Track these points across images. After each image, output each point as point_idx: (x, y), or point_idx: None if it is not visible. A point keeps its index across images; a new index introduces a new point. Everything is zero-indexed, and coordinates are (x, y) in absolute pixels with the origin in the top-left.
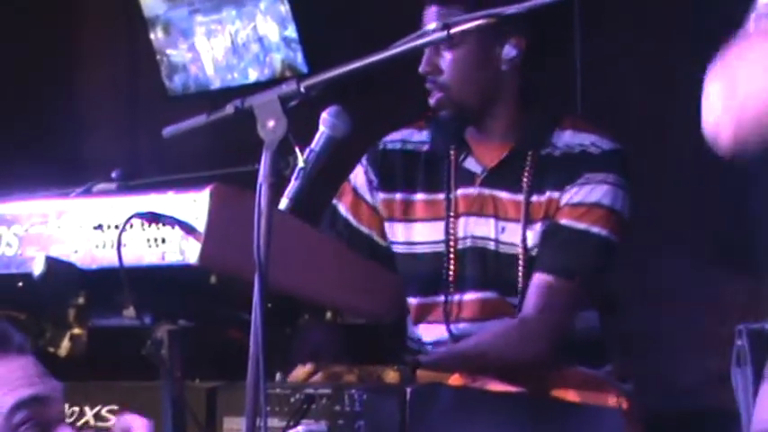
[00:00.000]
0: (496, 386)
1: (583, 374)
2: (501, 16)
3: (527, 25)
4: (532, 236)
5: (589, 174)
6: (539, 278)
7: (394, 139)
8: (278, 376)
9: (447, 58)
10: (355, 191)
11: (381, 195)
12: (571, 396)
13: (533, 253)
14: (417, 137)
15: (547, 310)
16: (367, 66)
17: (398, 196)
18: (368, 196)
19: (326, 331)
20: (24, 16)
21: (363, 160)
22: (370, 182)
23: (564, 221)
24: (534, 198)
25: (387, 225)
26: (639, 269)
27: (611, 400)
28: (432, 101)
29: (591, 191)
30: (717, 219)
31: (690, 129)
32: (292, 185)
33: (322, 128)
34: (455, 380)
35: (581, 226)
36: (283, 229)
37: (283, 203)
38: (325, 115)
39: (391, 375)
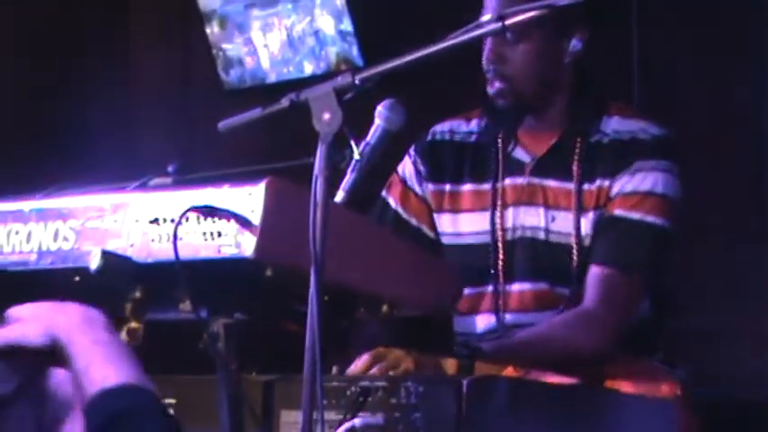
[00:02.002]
0: (551, 378)
1: (636, 363)
2: (555, 6)
3: (590, 17)
4: (585, 224)
5: (640, 161)
6: (597, 271)
7: (442, 129)
8: (334, 369)
9: (515, 49)
10: (404, 182)
11: (431, 186)
12: (625, 386)
13: (586, 242)
14: (465, 127)
15: (608, 302)
16: (421, 58)
17: (447, 187)
18: (417, 188)
19: (382, 324)
20: (80, 10)
21: (411, 151)
22: (418, 173)
23: (618, 212)
24: (585, 186)
25: (435, 216)
26: (698, 265)
27: (666, 389)
28: (491, 90)
29: (643, 179)
30: None
31: (746, 127)
32: (348, 178)
33: (377, 121)
34: (509, 372)
35: (636, 216)
36: (339, 221)
37: (339, 196)
38: (380, 108)
39: (450, 364)
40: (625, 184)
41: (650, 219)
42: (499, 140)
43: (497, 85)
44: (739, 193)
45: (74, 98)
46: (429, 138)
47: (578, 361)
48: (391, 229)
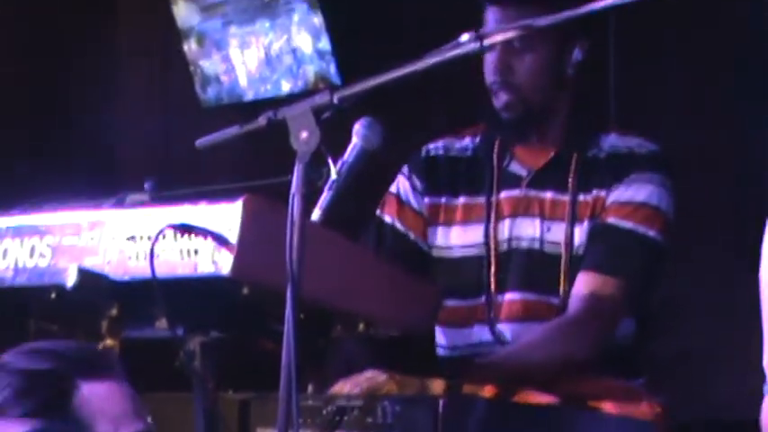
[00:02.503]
0: (532, 396)
1: (618, 384)
2: (533, 27)
3: (590, 28)
4: (579, 234)
5: (636, 173)
6: (585, 276)
7: (436, 146)
8: (310, 388)
9: (523, 59)
10: (399, 198)
11: (427, 200)
12: (607, 407)
13: (579, 252)
14: (459, 144)
15: (593, 309)
16: (399, 77)
17: (443, 200)
18: (413, 202)
19: (359, 343)
20: (58, 27)
21: (404, 170)
22: (414, 187)
23: (611, 220)
24: (581, 197)
25: (430, 230)
26: (677, 285)
27: (646, 410)
28: (498, 102)
29: (638, 190)
30: (754, 235)
31: (723, 156)
32: (325, 197)
33: (355, 139)
34: (489, 390)
35: (628, 225)
36: (316, 240)
37: (316, 215)
38: (357, 127)
39: (437, 385)
40: (620, 193)
41: (642, 229)
42: (494, 155)
43: (504, 97)
44: (720, 212)
45: (51, 114)
46: (423, 154)
47: (562, 369)
48: (387, 246)
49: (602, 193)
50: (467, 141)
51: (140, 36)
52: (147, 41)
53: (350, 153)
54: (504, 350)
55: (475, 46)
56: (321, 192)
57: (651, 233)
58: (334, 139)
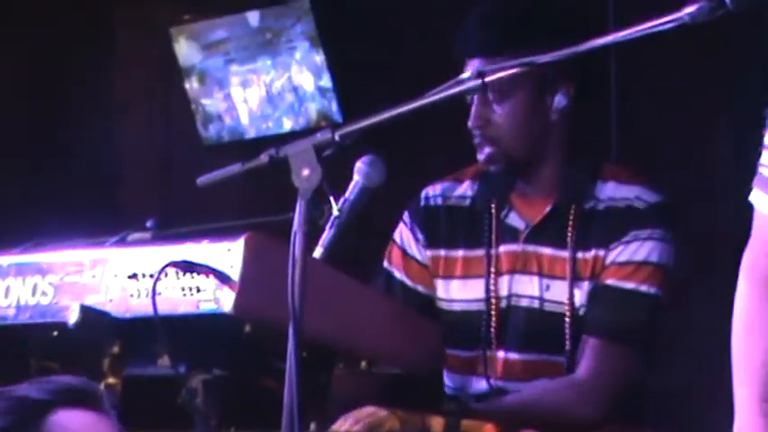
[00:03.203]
0: None
1: (621, 429)
2: (535, 64)
3: (576, 72)
4: (580, 294)
5: (635, 230)
6: (591, 342)
7: (435, 194)
8: (312, 426)
9: (498, 110)
10: (404, 251)
11: (428, 253)
12: None
13: (581, 312)
14: (458, 191)
15: (602, 373)
16: (401, 115)
17: (442, 252)
18: (417, 255)
19: (362, 380)
20: (61, 64)
21: (406, 218)
22: (417, 240)
23: (611, 281)
24: (580, 255)
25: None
26: (677, 319)
27: None
28: (481, 156)
29: (638, 248)
30: None
31: (725, 181)
32: (326, 234)
33: (356, 177)
34: (489, 429)
35: (629, 285)
36: (318, 277)
37: (318, 252)
38: (359, 164)
39: (436, 422)
40: (620, 253)
41: (644, 288)
42: (493, 206)
43: (487, 150)
44: (722, 244)
45: (54, 153)
46: (422, 203)
47: (567, 427)
48: (399, 301)
49: (601, 253)
50: (466, 187)
51: (141, 74)
52: (148, 79)
53: (351, 190)
54: (511, 398)
55: (476, 83)
56: (323, 229)
57: (653, 291)
58: (335, 176)
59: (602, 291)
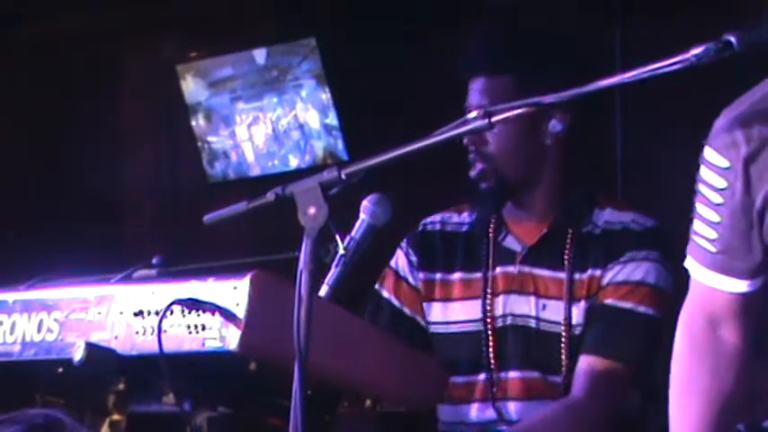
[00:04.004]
0: None
1: None
2: (541, 104)
3: (572, 101)
4: (576, 314)
5: (632, 251)
6: (586, 361)
7: (433, 221)
8: None
9: (496, 130)
10: (397, 273)
11: (422, 275)
12: None
13: (577, 331)
14: (456, 219)
15: (597, 394)
16: (407, 153)
17: (438, 276)
18: (409, 277)
19: (366, 419)
20: (68, 102)
21: (403, 244)
22: (410, 263)
23: (608, 301)
24: (576, 276)
25: (426, 305)
26: None
27: None
28: (473, 172)
29: (635, 269)
30: None
31: None
32: (332, 273)
33: (362, 216)
34: None
35: (626, 305)
36: (323, 316)
37: (323, 291)
38: (365, 203)
39: None
40: (616, 273)
41: (641, 309)
42: (490, 230)
43: (479, 166)
44: None
45: (60, 189)
46: (420, 229)
47: None
48: (385, 321)
49: (598, 272)
50: (464, 216)
51: (148, 111)
52: (154, 116)
53: (357, 229)
54: (510, 429)
55: (483, 123)
56: (329, 267)
57: (650, 312)
58: (341, 214)
59: (599, 310)
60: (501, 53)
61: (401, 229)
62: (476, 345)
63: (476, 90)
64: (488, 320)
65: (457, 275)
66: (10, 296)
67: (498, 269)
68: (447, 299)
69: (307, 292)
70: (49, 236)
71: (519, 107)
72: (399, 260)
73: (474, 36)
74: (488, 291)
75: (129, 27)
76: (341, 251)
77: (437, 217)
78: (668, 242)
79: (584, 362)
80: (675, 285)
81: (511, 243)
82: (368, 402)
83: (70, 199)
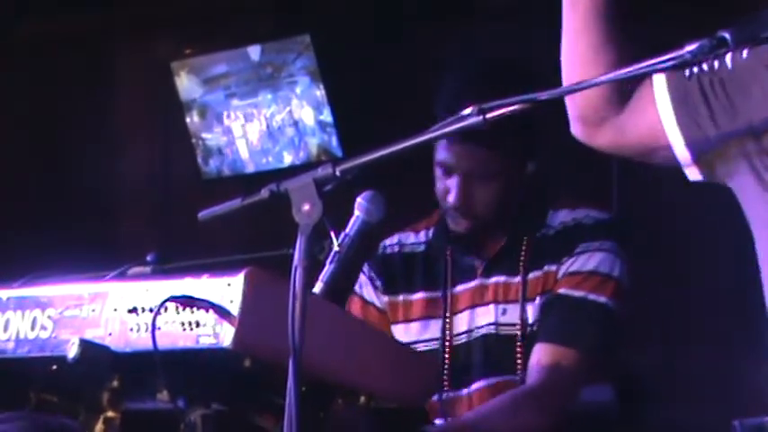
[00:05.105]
0: None
1: None
2: (537, 101)
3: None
4: (532, 311)
5: (585, 243)
6: (538, 350)
7: (391, 243)
8: None
9: (485, 188)
10: (362, 298)
11: (386, 299)
12: None
13: (534, 328)
14: (413, 239)
15: (551, 380)
16: (402, 150)
17: (401, 298)
18: (376, 301)
19: (360, 415)
20: (63, 101)
21: (365, 269)
22: (375, 288)
23: (561, 291)
24: (531, 275)
25: (392, 327)
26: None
27: None
28: (458, 227)
29: (588, 259)
30: (753, 301)
31: (723, 227)
32: (327, 269)
33: (357, 212)
34: None
35: (578, 294)
36: (318, 312)
37: (318, 287)
38: (359, 200)
39: None
40: (570, 265)
41: (593, 296)
42: (447, 252)
43: (464, 223)
44: (719, 279)
45: (54, 185)
46: (380, 252)
47: None
48: None
49: (553, 268)
50: (421, 235)
51: (142, 108)
52: (149, 113)
53: (352, 226)
54: (464, 419)
55: (477, 120)
56: (323, 264)
57: (603, 300)
58: (336, 211)
59: (552, 300)
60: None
61: (395, 227)
62: (437, 363)
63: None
64: (447, 340)
65: (419, 295)
66: (4, 293)
67: (459, 287)
68: (408, 320)
69: (301, 289)
70: (44, 233)
71: (514, 103)
72: (363, 286)
73: (448, 77)
74: (447, 311)
75: (124, 25)
76: (335, 248)
77: (395, 238)
78: (625, 233)
79: (537, 351)
80: (633, 276)
81: (470, 260)
82: (362, 399)
83: (65, 196)
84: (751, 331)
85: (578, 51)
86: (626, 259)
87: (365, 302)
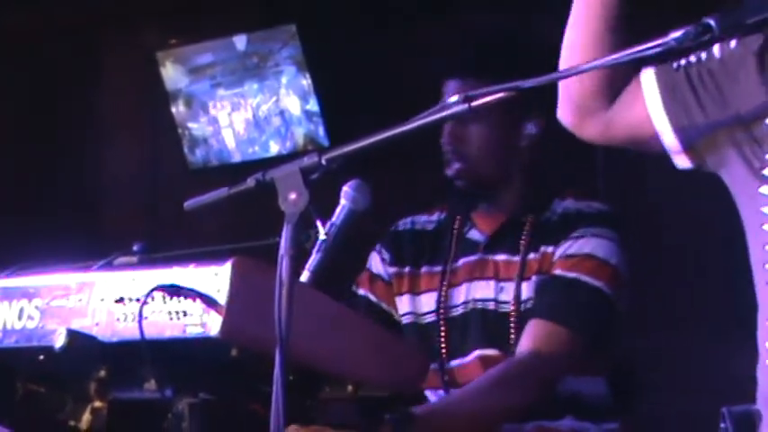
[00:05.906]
0: None
1: None
2: (521, 89)
3: (546, 106)
4: (527, 289)
5: (584, 228)
6: (532, 324)
7: (404, 221)
8: None
9: (472, 129)
10: (370, 271)
11: (392, 270)
12: None
13: (528, 306)
14: (426, 218)
15: (541, 354)
16: (388, 139)
17: (407, 270)
18: (383, 273)
19: (347, 403)
20: (47, 88)
21: (377, 246)
22: (383, 260)
23: (557, 272)
24: (530, 256)
25: (397, 299)
26: (660, 340)
27: None
28: (450, 171)
29: (585, 243)
30: (743, 291)
31: (714, 218)
32: (313, 258)
33: (343, 201)
34: None
35: (572, 275)
36: (304, 301)
37: (304, 276)
38: (346, 188)
39: None
40: (567, 248)
41: (586, 278)
42: (455, 225)
43: (456, 165)
44: (708, 271)
45: (40, 176)
46: (392, 229)
47: (504, 415)
48: (363, 313)
49: (550, 249)
50: (434, 216)
51: (127, 98)
52: (135, 103)
53: (338, 215)
54: (451, 396)
55: (463, 108)
56: (310, 253)
57: (597, 284)
58: (322, 200)
59: (547, 280)
60: (474, 56)
61: (384, 217)
62: (435, 335)
63: (450, 92)
64: (441, 312)
65: (423, 269)
66: None
67: (462, 260)
68: (414, 292)
69: (288, 278)
70: (30, 223)
71: (498, 92)
72: (373, 260)
73: (450, 39)
74: (444, 283)
75: (109, 15)
76: (322, 237)
77: (408, 219)
78: (623, 224)
79: (529, 326)
80: (630, 267)
81: (474, 235)
82: (349, 387)
83: (50, 186)
84: (739, 319)
85: (581, 38)
86: (625, 248)
87: (373, 275)
